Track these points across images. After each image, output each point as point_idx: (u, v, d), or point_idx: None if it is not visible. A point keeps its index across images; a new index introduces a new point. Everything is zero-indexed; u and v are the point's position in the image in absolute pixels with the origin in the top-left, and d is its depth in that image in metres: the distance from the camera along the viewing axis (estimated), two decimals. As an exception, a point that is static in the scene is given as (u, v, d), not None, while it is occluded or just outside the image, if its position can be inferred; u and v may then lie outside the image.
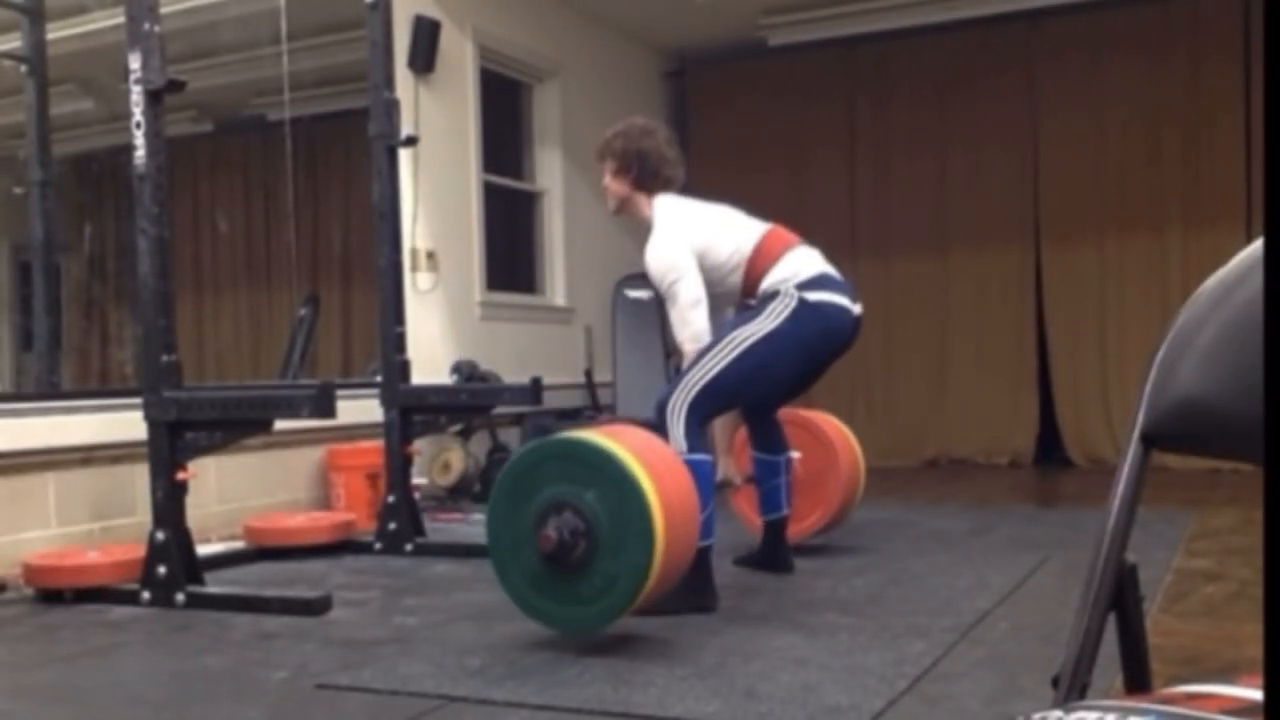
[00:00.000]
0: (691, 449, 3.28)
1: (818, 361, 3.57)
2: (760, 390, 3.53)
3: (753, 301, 3.52)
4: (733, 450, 3.97)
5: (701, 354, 3.37)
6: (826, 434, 4.17)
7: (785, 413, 3.98)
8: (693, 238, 3.48)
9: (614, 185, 3.63)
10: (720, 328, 3.52)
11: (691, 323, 3.40)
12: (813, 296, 3.43)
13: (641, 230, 3.68)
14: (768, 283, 3.48)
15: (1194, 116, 6.95)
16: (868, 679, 2.51)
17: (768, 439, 3.81)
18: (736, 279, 3.54)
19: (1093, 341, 7.26)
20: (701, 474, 3.24)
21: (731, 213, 3.65)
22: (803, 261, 3.52)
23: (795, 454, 3.89)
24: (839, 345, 3.56)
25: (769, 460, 3.81)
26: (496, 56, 6.67)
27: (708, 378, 3.33)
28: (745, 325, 3.41)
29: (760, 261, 3.51)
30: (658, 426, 3.33)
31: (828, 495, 4.11)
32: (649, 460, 2.82)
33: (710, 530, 3.26)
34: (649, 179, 3.58)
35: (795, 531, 3.96)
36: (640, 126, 3.66)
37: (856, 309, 3.56)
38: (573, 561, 2.74)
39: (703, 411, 3.34)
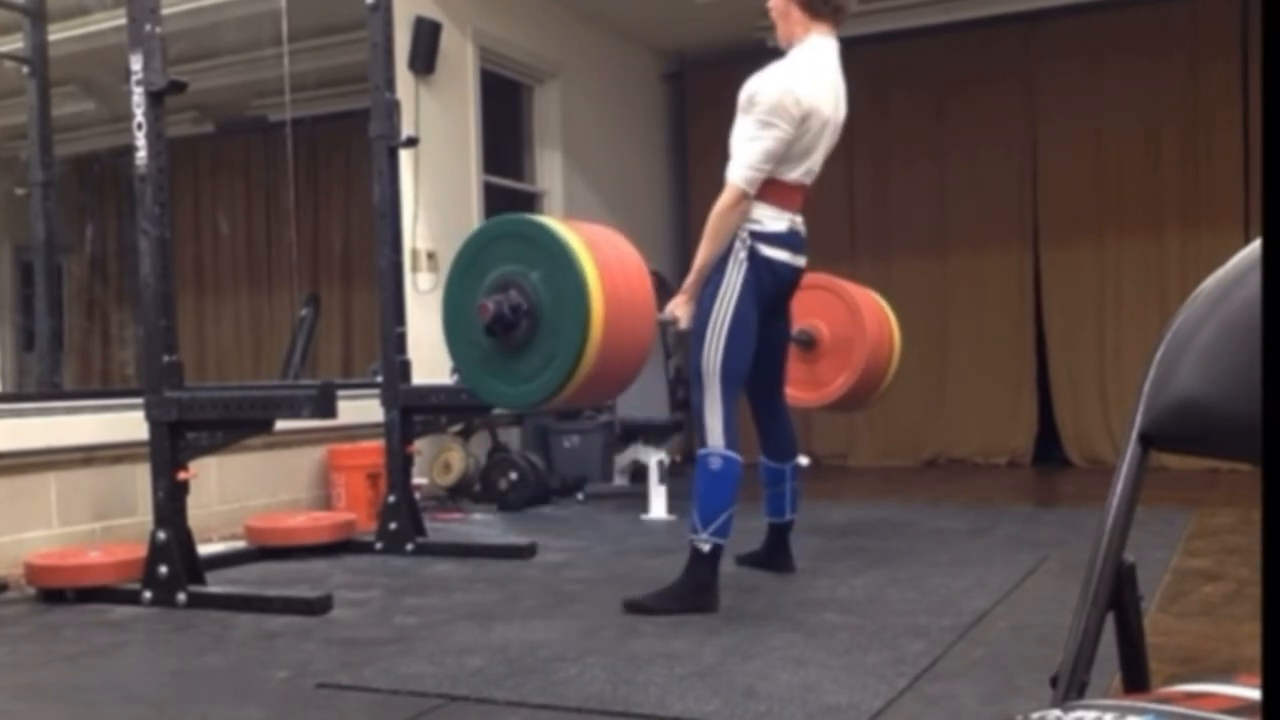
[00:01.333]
0: (728, 445, 3.29)
1: (775, 302, 3.54)
2: (754, 343, 3.44)
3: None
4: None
5: (699, 348, 3.35)
6: (856, 302, 4.15)
7: (817, 279, 3.89)
8: (813, 104, 3.34)
9: (780, 7, 3.47)
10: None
11: (756, 170, 3.28)
12: (769, 251, 3.39)
13: (642, 231, 3.66)
14: (756, 209, 3.38)
15: (1192, 118, 6.96)
16: (867, 678, 2.52)
17: (777, 445, 3.82)
18: (767, 171, 3.38)
19: (1091, 342, 7.26)
20: (730, 470, 3.27)
21: (816, 139, 3.45)
22: (784, 221, 3.44)
23: (804, 460, 3.89)
24: (787, 287, 3.54)
25: (776, 468, 3.82)
26: (497, 58, 6.67)
27: (720, 360, 3.31)
28: (714, 302, 3.35)
29: (776, 191, 3.40)
30: (696, 427, 3.35)
31: (853, 360, 4.09)
32: (600, 248, 2.84)
33: (727, 530, 3.28)
34: (818, 2, 3.41)
35: (817, 396, 3.94)
36: None
37: (799, 262, 3.52)
38: (514, 338, 2.77)
39: (733, 392, 3.33)
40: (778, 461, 3.81)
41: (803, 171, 3.46)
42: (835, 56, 3.49)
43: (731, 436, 3.31)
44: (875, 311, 4.21)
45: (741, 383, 3.46)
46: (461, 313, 2.90)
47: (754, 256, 3.38)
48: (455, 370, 5.91)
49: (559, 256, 2.79)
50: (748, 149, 3.31)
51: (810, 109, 3.35)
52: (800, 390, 4.07)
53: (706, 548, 3.26)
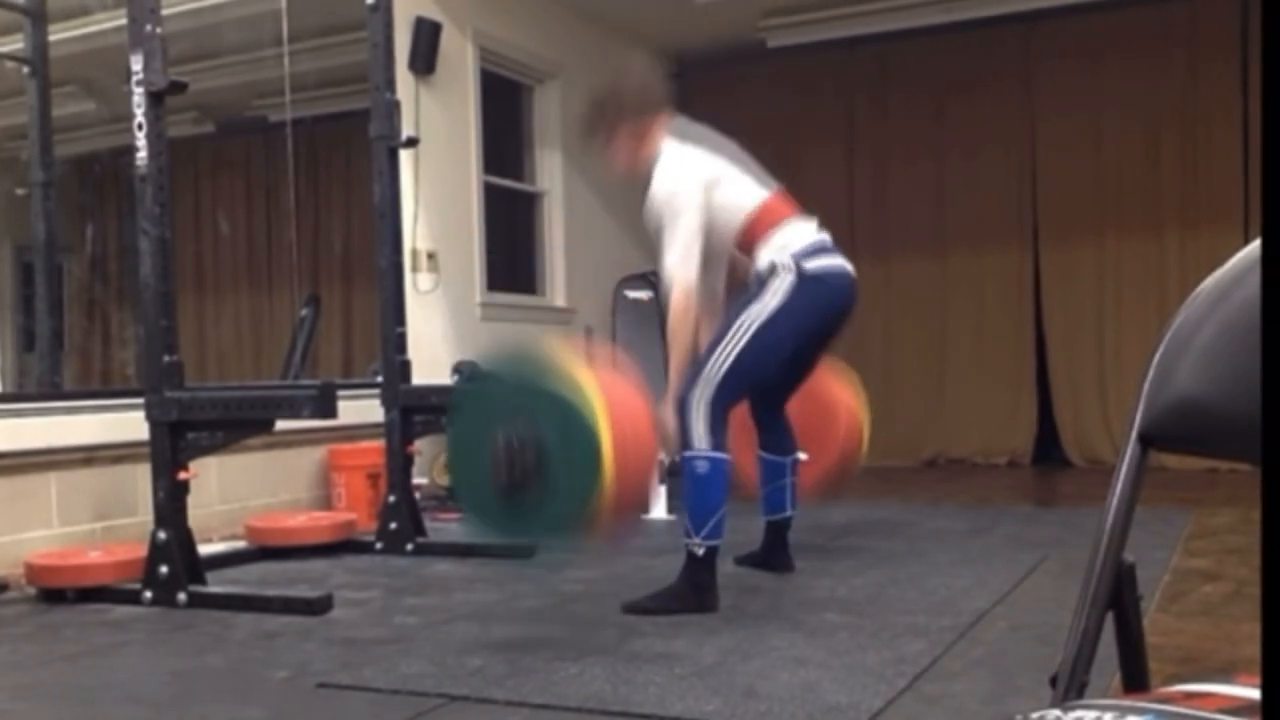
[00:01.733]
0: (714, 446, 3.25)
1: (826, 330, 3.51)
2: (773, 369, 3.45)
3: (754, 265, 3.45)
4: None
5: (711, 347, 3.34)
6: (831, 406, 4.13)
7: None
8: (705, 170, 3.39)
9: (617, 147, 3.53)
10: (709, 298, 3.49)
11: (686, 269, 3.30)
12: (811, 265, 3.38)
13: (641, 231, 3.65)
14: (764, 253, 3.41)
15: (1191, 118, 6.97)
16: (867, 678, 2.52)
17: (776, 440, 3.79)
18: (733, 231, 3.44)
19: (1091, 342, 7.27)
20: (719, 471, 3.24)
21: (741, 161, 3.54)
22: (799, 231, 3.47)
23: (803, 455, 3.89)
24: (844, 309, 3.51)
25: (776, 461, 3.79)
26: (497, 58, 6.67)
27: (725, 368, 3.28)
28: (749, 308, 3.35)
29: (761, 222, 3.43)
30: (679, 427, 3.30)
31: (824, 468, 4.09)
32: (605, 389, 2.81)
33: (720, 531, 3.27)
34: (639, 109, 3.47)
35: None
36: (608, 80, 3.58)
37: (850, 267, 3.52)
38: (525, 494, 2.75)
39: (725, 402, 3.29)
40: (778, 455, 3.79)
41: (756, 197, 3.47)
42: (682, 141, 3.49)
43: (718, 438, 3.27)
44: (846, 400, 4.21)
45: (742, 395, 3.43)
46: (469, 460, 2.85)
47: (801, 274, 3.35)
48: (454, 371, 5.95)
49: (569, 408, 2.74)
50: (668, 250, 3.33)
51: (709, 174, 3.39)
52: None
53: (701, 551, 3.24)
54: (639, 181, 3.56)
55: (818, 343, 3.55)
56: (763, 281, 3.38)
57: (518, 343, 3.05)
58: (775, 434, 3.80)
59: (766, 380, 3.53)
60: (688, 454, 3.29)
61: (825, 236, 3.53)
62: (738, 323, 3.34)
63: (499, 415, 2.80)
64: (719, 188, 3.41)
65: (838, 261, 3.47)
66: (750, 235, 3.45)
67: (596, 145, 3.60)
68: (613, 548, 2.88)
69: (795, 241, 3.43)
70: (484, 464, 2.79)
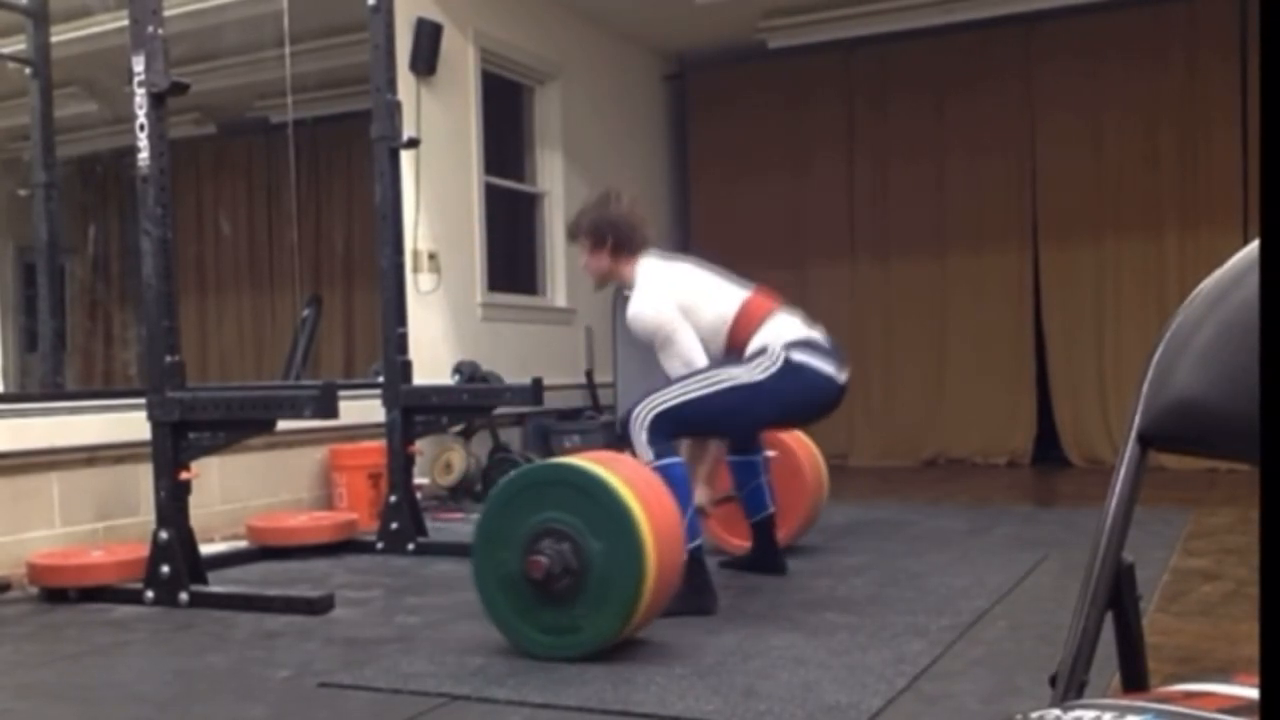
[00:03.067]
0: (659, 455, 3.27)
1: (795, 420, 3.61)
2: (727, 431, 3.58)
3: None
4: (702, 479, 3.93)
5: (679, 379, 3.38)
6: (789, 446, 4.16)
7: None
8: (678, 296, 3.48)
9: (593, 261, 3.65)
10: (699, 448, 3.61)
11: (694, 364, 3.40)
12: (798, 357, 3.41)
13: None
14: (756, 340, 3.46)
15: (1191, 118, 6.97)
16: (866, 677, 2.53)
17: (743, 441, 3.81)
18: (719, 344, 3.52)
19: (1090, 342, 7.28)
20: (676, 477, 3.23)
21: (713, 276, 3.64)
22: (786, 326, 3.50)
23: (771, 453, 3.90)
24: (821, 410, 3.54)
25: (746, 461, 3.80)
26: (498, 59, 6.68)
27: (676, 402, 3.32)
28: (731, 367, 3.40)
29: (744, 326, 3.50)
30: (622, 438, 3.36)
31: (796, 507, 4.11)
32: (643, 494, 2.79)
33: (696, 531, 3.27)
34: (625, 244, 3.59)
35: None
36: (603, 195, 3.71)
37: (842, 377, 3.51)
38: (554, 590, 2.72)
39: (665, 431, 3.33)
40: (747, 455, 3.80)
41: (736, 300, 3.53)
42: (657, 260, 3.61)
43: (661, 447, 3.29)
44: (808, 455, 4.23)
45: (681, 435, 3.47)
46: (496, 550, 2.79)
47: (788, 364, 3.38)
48: (455, 371, 5.96)
49: (618, 519, 2.68)
50: (677, 363, 3.41)
51: (684, 298, 3.47)
52: (737, 538, 4.06)
53: (684, 556, 3.24)
54: (608, 285, 3.77)
55: (781, 425, 3.65)
56: (753, 356, 3.43)
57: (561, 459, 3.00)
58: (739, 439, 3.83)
59: (713, 435, 3.65)
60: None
61: (815, 334, 3.53)
62: (717, 373, 3.38)
63: (538, 507, 2.77)
64: (696, 307, 3.49)
65: (828, 368, 3.47)
66: (738, 335, 3.51)
67: (577, 246, 3.74)
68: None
69: (784, 333, 3.47)
70: (515, 553, 2.76)
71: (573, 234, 3.73)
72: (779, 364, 3.38)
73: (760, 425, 3.59)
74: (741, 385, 3.36)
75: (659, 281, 3.52)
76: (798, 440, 4.26)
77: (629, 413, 3.37)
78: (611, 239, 3.58)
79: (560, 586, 2.70)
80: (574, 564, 2.69)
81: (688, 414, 3.34)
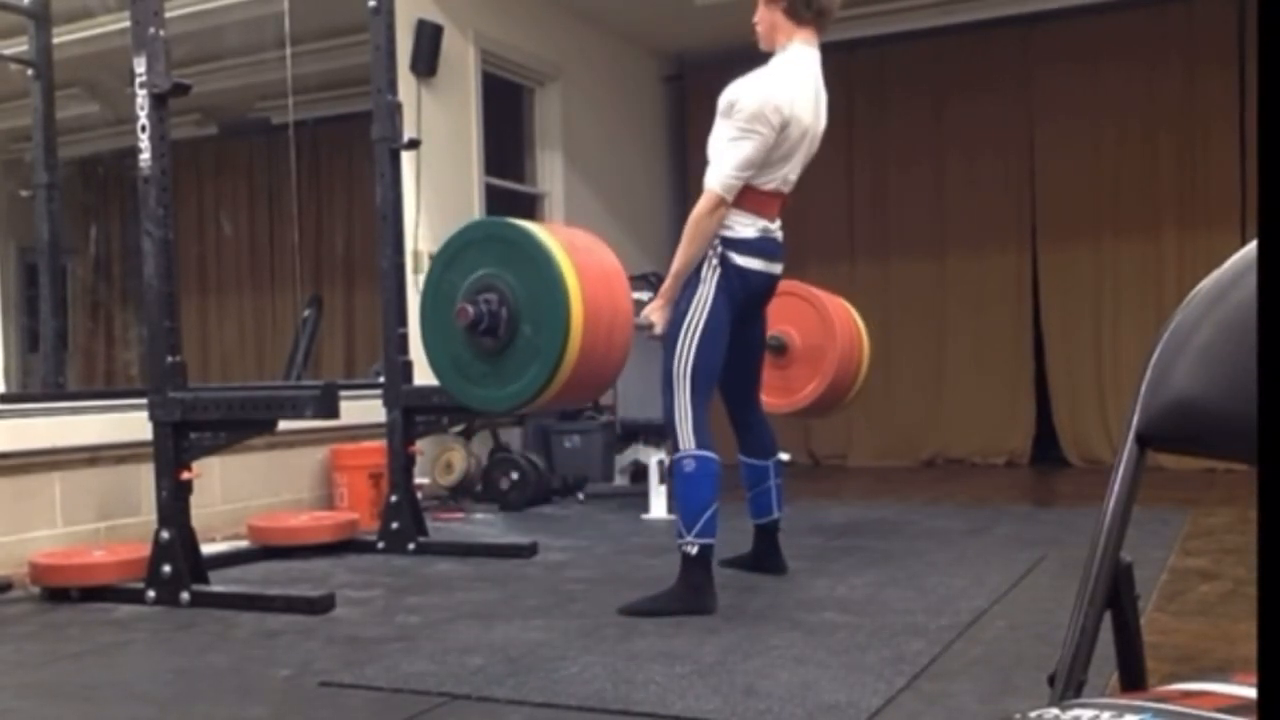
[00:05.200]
0: (699, 445, 3.29)
1: (750, 309, 3.55)
2: (724, 351, 3.45)
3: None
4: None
5: (671, 354, 3.37)
6: (828, 310, 4.16)
7: (789, 285, 3.93)
8: (792, 112, 3.35)
9: (762, 12, 3.47)
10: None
11: (735, 177, 3.30)
12: (742, 260, 3.41)
13: (642, 232, 3.66)
14: (729, 217, 3.39)
15: (1189, 120, 6.98)
16: (866, 677, 2.53)
17: (757, 443, 3.81)
18: (746, 178, 3.40)
19: (1089, 343, 7.29)
20: (707, 469, 3.27)
21: (804, 142, 3.51)
22: (757, 228, 3.45)
23: (785, 455, 3.90)
24: (760, 297, 3.56)
25: (758, 465, 3.80)
26: (498, 60, 6.69)
27: (691, 365, 3.33)
28: (689, 308, 3.37)
29: (752, 199, 3.42)
30: (668, 432, 3.36)
31: (824, 368, 4.11)
32: (578, 252, 2.84)
33: (712, 529, 3.28)
34: (801, 6, 3.41)
35: (789, 401, 3.95)
36: None
37: (778, 269, 3.54)
38: (492, 342, 2.75)
39: (703, 398, 3.34)
40: (759, 459, 3.80)
41: (779, 180, 3.48)
42: (817, 65, 3.50)
43: (703, 437, 3.31)
44: (845, 319, 4.24)
45: (713, 386, 3.46)
46: (438, 316, 2.88)
47: (725, 263, 3.40)
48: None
49: (538, 260, 2.77)
50: (728, 155, 3.33)
51: (790, 117, 3.36)
52: (772, 396, 4.08)
53: (694, 550, 3.25)
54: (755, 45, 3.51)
55: (751, 320, 3.59)
56: (697, 267, 3.41)
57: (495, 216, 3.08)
58: (755, 436, 3.81)
59: (723, 361, 3.52)
60: (676, 455, 3.35)
61: (774, 237, 3.51)
62: (687, 324, 3.37)
63: (469, 266, 2.82)
64: (782, 136, 3.37)
65: (765, 265, 3.48)
66: (743, 197, 3.42)
67: None
68: (573, 406, 2.89)
69: (744, 232, 3.42)
70: (451, 314, 2.82)
71: None
72: (719, 268, 3.39)
73: (734, 325, 3.46)
74: (707, 311, 3.36)
75: (798, 83, 3.39)
76: (841, 311, 4.22)
77: (668, 408, 3.34)
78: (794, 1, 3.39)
79: (498, 337, 2.73)
80: (501, 308, 2.73)
81: (704, 369, 3.34)
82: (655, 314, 3.45)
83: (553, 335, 2.72)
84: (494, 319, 2.76)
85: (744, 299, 3.48)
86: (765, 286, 3.56)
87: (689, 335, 3.37)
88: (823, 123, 3.58)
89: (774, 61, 3.44)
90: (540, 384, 2.74)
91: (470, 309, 2.76)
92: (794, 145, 3.45)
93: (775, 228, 3.55)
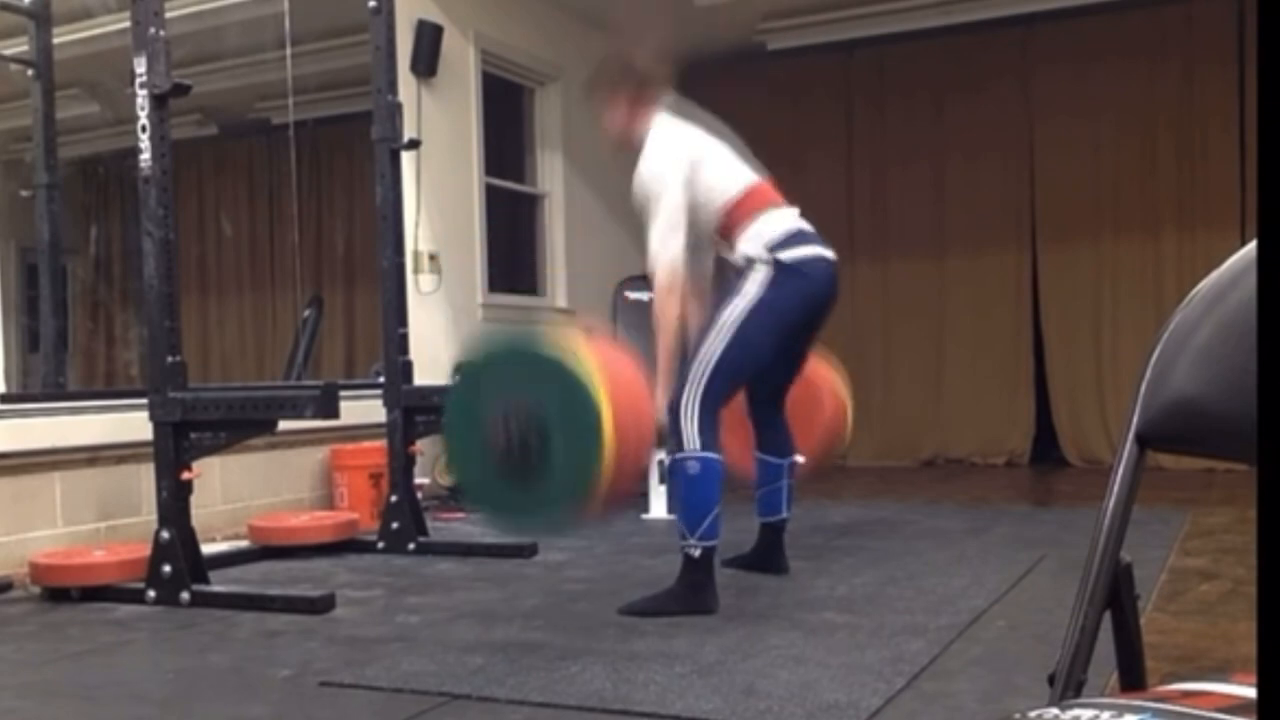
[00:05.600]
0: (704, 446, 3.25)
1: (810, 320, 3.48)
2: (760, 365, 3.44)
3: (731, 255, 3.46)
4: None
5: (696, 348, 3.35)
6: (818, 388, 4.11)
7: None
8: (691, 153, 3.40)
9: (611, 113, 3.53)
10: (698, 280, 3.49)
11: (668, 246, 3.30)
12: (787, 255, 3.37)
13: (642, 233, 3.66)
14: (741, 244, 3.40)
15: (1188, 120, 6.99)
16: (865, 676, 2.54)
17: (775, 441, 3.78)
18: (714, 213, 3.44)
19: (1088, 343, 7.29)
20: (712, 470, 3.24)
21: (727, 150, 3.55)
22: (775, 220, 3.45)
23: (800, 458, 3.89)
24: (826, 298, 3.48)
25: (774, 463, 3.78)
26: (498, 60, 6.69)
27: (710, 366, 3.29)
28: (729, 303, 3.36)
29: (742, 207, 3.43)
30: (672, 430, 3.31)
31: (811, 445, 4.06)
32: (600, 361, 2.81)
33: (716, 531, 3.27)
34: (646, 88, 3.49)
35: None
36: (606, 62, 3.62)
37: (829, 253, 3.48)
38: (525, 466, 2.73)
39: (714, 401, 3.30)
40: (776, 457, 3.78)
41: (740, 182, 3.47)
42: (685, 122, 3.53)
43: (708, 437, 3.26)
44: (832, 390, 4.21)
45: (731, 393, 3.43)
46: (466, 430, 2.81)
47: (779, 267, 3.35)
48: (456, 371, 5.96)
49: (572, 386, 2.71)
50: (654, 234, 3.33)
51: (694, 153, 3.41)
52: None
53: (697, 553, 3.23)
54: (630, 151, 3.56)
55: (803, 335, 3.54)
56: (741, 275, 3.39)
57: (515, 325, 3.02)
58: (773, 434, 3.79)
59: (755, 376, 3.52)
60: (679, 455, 3.29)
61: (803, 225, 3.49)
62: (719, 321, 3.35)
63: (497, 387, 2.80)
64: (705, 166, 3.42)
65: (815, 250, 3.44)
66: (731, 221, 3.45)
67: (595, 104, 3.61)
68: (606, 520, 2.86)
69: (769, 231, 3.41)
70: (482, 436, 2.79)
71: (591, 86, 3.60)
72: (768, 270, 3.35)
73: (782, 340, 3.41)
74: (746, 311, 3.32)
75: (673, 136, 3.44)
76: (825, 371, 4.21)
77: (675, 402, 3.30)
78: (631, 83, 3.49)
79: (521, 457, 2.72)
80: (532, 433, 2.71)
81: (723, 374, 3.30)
82: (660, 399, 3.41)
83: (585, 464, 2.69)
84: (525, 443, 2.72)
85: (806, 295, 3.39)
86: (826, 276, 3.45)
87: (717, 339, 3.31)
88: (735, 140, 3.59)
89: (650, 141, 3.46)
90: (572, 510, 2.73)
91: (503, 435, 2.72)
92: (723, 158, 3.49)
93: (797, 214, 3.50)
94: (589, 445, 2.68)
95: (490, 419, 2.77)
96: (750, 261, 3.39)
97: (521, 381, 2.77)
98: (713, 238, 3.54)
